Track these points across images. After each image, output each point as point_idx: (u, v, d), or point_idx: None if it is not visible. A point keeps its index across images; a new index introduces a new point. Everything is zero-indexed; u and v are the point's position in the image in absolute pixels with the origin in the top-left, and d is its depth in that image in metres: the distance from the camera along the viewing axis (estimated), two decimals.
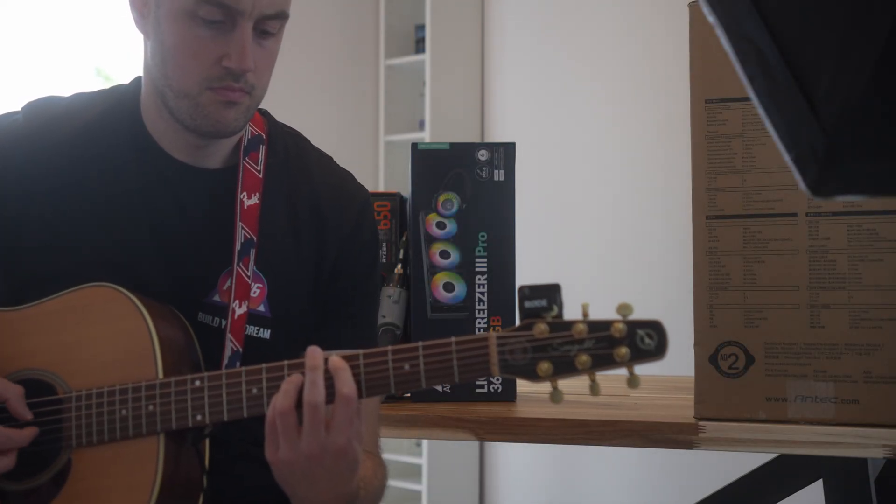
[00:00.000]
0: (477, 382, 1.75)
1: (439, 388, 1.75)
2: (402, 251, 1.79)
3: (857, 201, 1.45)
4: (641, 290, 3.45)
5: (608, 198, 3.69)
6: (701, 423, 1.49)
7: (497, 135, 4.13)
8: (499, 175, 1.76)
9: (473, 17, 4.22)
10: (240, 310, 1.32)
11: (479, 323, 1.75)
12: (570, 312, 1.15)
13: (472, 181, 1.76)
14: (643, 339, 1.12)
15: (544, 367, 1.12)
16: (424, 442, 3.95)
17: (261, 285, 1.35)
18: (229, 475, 1.33)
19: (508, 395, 1.76)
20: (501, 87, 4.14)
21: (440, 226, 1.75)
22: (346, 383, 1.15)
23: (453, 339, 1.15)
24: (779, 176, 1.49)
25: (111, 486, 1.24)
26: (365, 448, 1.36)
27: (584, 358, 1.11)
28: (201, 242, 1.35)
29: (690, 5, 1.53)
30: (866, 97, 0.60)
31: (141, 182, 1.35)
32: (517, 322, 1.16)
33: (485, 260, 1.76)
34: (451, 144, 1.77)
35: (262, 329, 1.35)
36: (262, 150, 1.39)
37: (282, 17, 1.30)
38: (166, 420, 1.22)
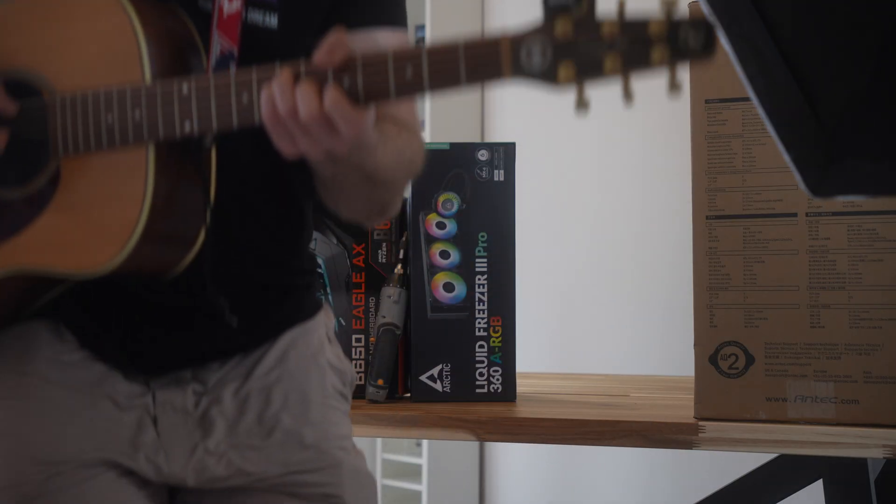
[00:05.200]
0: (477, 382, 1.75)
1: (439, 388, 1.74)
2: (402, 251, 1.79)
3: (857, 201, 1.45)
4: (641, 290, 3.45)
5: (608, 198, 3.69)
6: (701, 423, 1.49)
7: (497, 135, 4.13)
8: (499, 175, 1.76)
9: (473, 17, 4.22)
10: (229, 7, 1.19)
11: (479, 323, 1.75)
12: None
13: (472, 181, 1.76)
14: (686, 41, 0.92)
15: (566, 69, 0.97)
16: (424, 442, 3.95)
17: None
18: (237, 197, 1.24)
19: (508, 395, 1.75)
20: (501, 88, 4.14)
21: (440, 226, 1.75)
22: (329, 98, 1.02)
23: (462, 39, 1.04)
24: (779, 176, 1.49)
25: (102, 197, 1.15)
26: (397, 117, 1.26)
27: (613, 58, 0.94)
28: None
29: (690, 5, 1.53)
30: (866, 97, 0.60)
31: None
32: None
33: (485, 260, 1.76)
34: (451, 144, 1.77)
35: (268, 14, 1.23)
36: None
37: None
38: (153, 127, 1.11)
